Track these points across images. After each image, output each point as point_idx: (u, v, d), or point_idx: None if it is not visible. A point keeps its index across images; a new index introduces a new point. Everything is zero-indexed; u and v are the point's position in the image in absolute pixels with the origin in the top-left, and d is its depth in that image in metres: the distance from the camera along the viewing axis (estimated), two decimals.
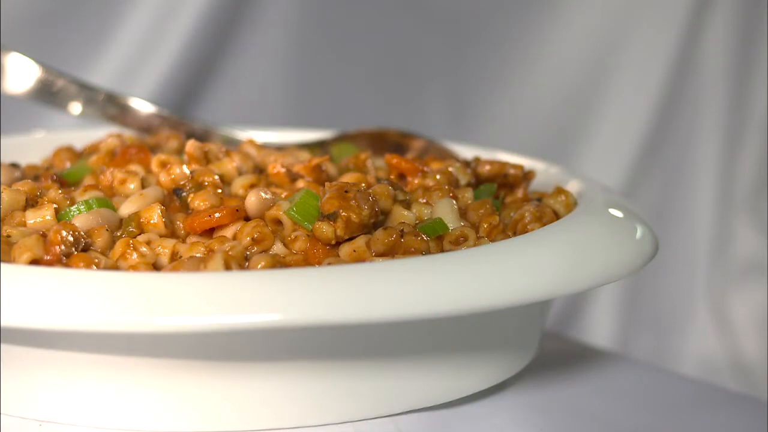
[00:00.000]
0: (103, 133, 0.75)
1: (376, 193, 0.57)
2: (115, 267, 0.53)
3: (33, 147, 0.75)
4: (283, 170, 0.60)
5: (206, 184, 0.59)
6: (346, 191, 0.56)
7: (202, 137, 0.73)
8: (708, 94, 1.11)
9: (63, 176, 0.62)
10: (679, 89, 1.12)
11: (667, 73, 1.11)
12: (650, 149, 1.13)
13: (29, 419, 0.54)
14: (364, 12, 1.11)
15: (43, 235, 0.53)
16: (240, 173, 0.62)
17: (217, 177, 0.59)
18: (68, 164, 0.66)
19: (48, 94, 0.74)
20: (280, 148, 0.69)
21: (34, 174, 0.63)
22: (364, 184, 0.57)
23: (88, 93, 0.74)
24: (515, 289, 0.52)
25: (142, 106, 0.75)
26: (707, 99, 1.11)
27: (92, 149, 0.67)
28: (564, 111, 1.13)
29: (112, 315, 0.48)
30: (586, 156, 1.13)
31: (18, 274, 0.50)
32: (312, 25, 1.09)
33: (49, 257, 0.52)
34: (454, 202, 0.58)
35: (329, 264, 0.54)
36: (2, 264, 0.51)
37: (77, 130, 0.82)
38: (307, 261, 0.55)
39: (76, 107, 0.74)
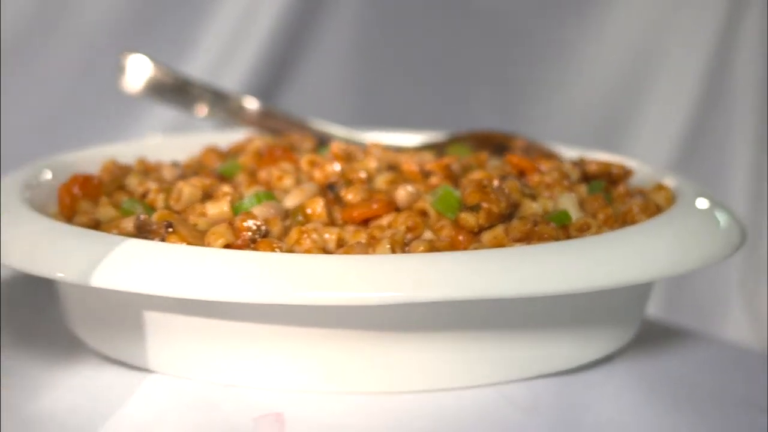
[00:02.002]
0: (202, 138, 0.83)
1: (509, 188, 0.65)
2: (291, 251, 0.61)
3: (158, 149, 0.83)
4: (416, 168, 0.69)
5: (354, 180, 0.67)
6: (484, 186, 0.64)
7: (322, 138, 0.81)
8: (744, 93, 1.19)
9: (220, 173, 0.70)
10: (716, 87, 1.19)
11: (705, 71, 1.18)
12: (687, 148, 1.20)
13: (216, 383, 0.62)
14: (418, 15, 1.19)
15: (230, 224, 0.62)
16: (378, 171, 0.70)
17: (363, 174, 0.67)
18: (216, 163, 0.74)
19: (174, 95, 0.81)
20: (400, 150, 0.78)
21: (192, 171, 0.71)
22: (496, 181, 0.65)
23: (214, 95, 0.82)
24: (635, 270, 0.61)
25: (255, 106, 0.83)
26: (743, 98, 1.19)
27: (238, 149, 0.75)
28: (608, 107, 1.21)
29: (304, 291, 0.57)
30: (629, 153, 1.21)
31: (217, 257, 0.58)
32: (372, 28, 1.17)
33: (239, 242, 0.61)
34: (575, 195, 0.66)
35: (476, 249, 0.62)
36: (202, 248, 0.59)
37: (185, 134, 0.90)
38: (453, 246, 0.63)
39: (202, 108, 0.81)
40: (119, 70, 0.80)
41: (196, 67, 1.09)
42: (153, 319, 0.61)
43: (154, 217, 0.63)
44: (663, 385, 0.67)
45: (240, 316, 0.60)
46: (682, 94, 1.19)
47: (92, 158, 0.76)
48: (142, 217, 0.62)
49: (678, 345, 0.73)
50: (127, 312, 0.62)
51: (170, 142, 0.83)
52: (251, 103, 0.82)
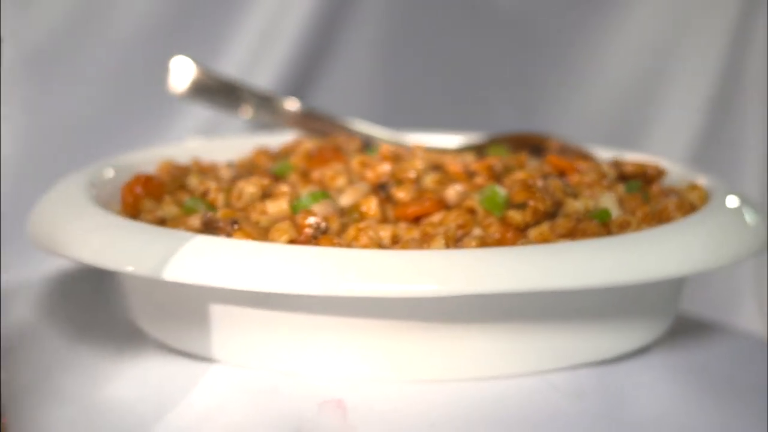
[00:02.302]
0: (243, 140, 0.86)
1: (552, 187, 0.69)
2: (350, 247, 0.65)
3: (207, 151, 0.86)
4: (461, 169, 0.72)
5: (404, 179, 0.70)
6: (530, 185, 0.68)
7: (366, 139, 0.84)
8: (759, 91, 1.22)
9: (274, 173, 0.73)
10: (730, 88, 1.22)
11: (719, 71, 1.21)
12: (701, 147, 1.24)
13: (278, 372, 0.66)
14: (440, 17, 1.22)
15: (292, 221, 0.65)
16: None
17: (413, 174, 0.71)
18: (267, 164, 0.77)
19: (218, 97, 0.84)
20: (442, 151, 0.81)
21: (246, 171, 0.75)
22: (540, 180, 0.69)
23: (257, 96, 0.85)
24: (673, 265, 0.65)
25: (296, 107, 0.86)
26: (758, 97, 1.22)
27: (288, 150, 0.78)
28: (624, 107, 1.24)
29: (367, 284, 0.60)
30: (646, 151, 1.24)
31: (284, 252, 0.62)
32: (398, 29, 1.20)
33: (301, 238, 0.64)
34: (614, 194, 0.70)
35: (523, 245, 0.66)
36: (268, 243, 0.63)
37: (224, 136, 0.94)
38: (501, 242, 0.66)
39: (247, 110, 0.85)
40: (165, 72, 0.84)
41: (229, 67, 1.12)
42: (218, 311, 0.65)
43: (219, 214, 0.67)
44: (696, 374, 0.70)
45: (304, 307, 0.63)
46: (697, 94, 1.22)
47: (145, 159, 0.79)
48: (209, 214, 0.66)
49: (708, 337, 0.76)
50: (193, 304, 0.66)
51: (213, 144, 0.86)
52: (292, 105, 0.86)
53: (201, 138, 0.93)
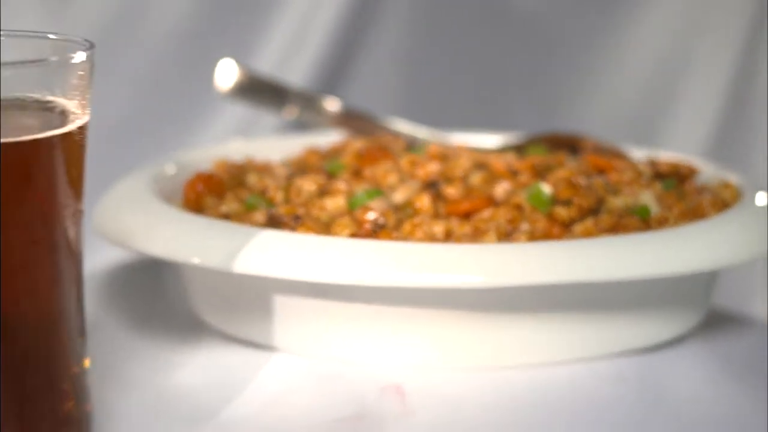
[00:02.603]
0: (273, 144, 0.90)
1: (595, 185, 0.73)
2: (407, 241, 0.69)
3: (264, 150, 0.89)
4: (505, 167, 0.76)
5: (453, 177, 0.74)
6: (575, 183, 0.72)
7: (407, 139, 0.88)
8: None
9: (327, 171, 0.77)
10: (744, 90, 1.26)
11: (733, 72, 1.25)
12: (716, 145, 1.28)
13: (339, 360, 0.69)
14: (463, 19, 1.26)
15: (352, 216, 0.69)
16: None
17: (460, 172, 0.75)
18: (317, 162, 0.81)
19: (263, 97, 0.88)
20: (484, 151, 0.85)
21: (299, 170, 0.78)
22: (583, 178, 0.73)
23: (300, 96, 0.88)
24: (710, 258, 0.69)
25: (337, 107, 0.89)
26: None
27: (337, 150, 0.82)
28: (641, 106, 1.28)
29: (427, 276, 0.65)
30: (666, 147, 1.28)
31: (348, 245, 0.66)
32: (422, 30, 1.24)
33: (362, 232, 0.68)
34: (652, 192, 0.74)
35: (568, 239, 0.69)
36: (333, 237, 0.66)
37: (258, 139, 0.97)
38: (548, 237, 0.70)
39: (291, 110, 0.88)
40: (199, 71, 0.87)
41: (261, 66, 1.16)
42: (281, 301, 0.69)
43: (281, 210, 0.70)
44: (727, 363, 0.74)
45: (364, 298, 0.67)
46: (713, 91, 1.26)
47: (198, 157, 0.83)
48: (273, 210, 0.70)
49: (738, 328, 0.80)
50: (256, 295, 0.69)
51: (258, 144, 0.90)
52: (333, 104, 0.89)
53: (243, 138, 0.97)
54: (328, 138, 0.89)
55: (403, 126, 0.89)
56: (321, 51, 1.17)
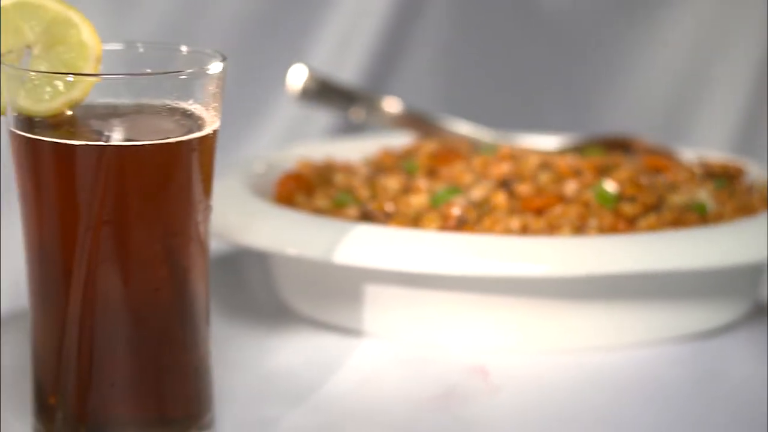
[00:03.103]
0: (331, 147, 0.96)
1: (656, 183, 0.79)
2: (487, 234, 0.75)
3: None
4: (569, 167, 0.82)
5: (524, 176, 0.80)
6: (638, 182, 0.78)
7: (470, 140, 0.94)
8: None
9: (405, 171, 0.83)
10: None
11: (758, 72, 1.31)
12: (742, 142, 1.34)
13: (426, 345, 0.76)
14: (500, 20, 1.32)
15: (438, 212, 0.75)
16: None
17: (530, 171, 0.81)
18: (393, 163, 0.87)
19: (330, 100, 0.94)
20: (547, 152, 0.91)
21: (378, 169, 0.84)
22: (646, 177, 0.79)
23: (365, 98, 0.94)
24: (764, 251, 0.75)
25: (398, 108, 0.95)
26: None
27: (410, 151, 0.88)
28: (669, 105, 1.34)
29: (511, 266, 0.71)
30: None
31: (438, 238, 0.73)
32: (461, 33, 1.30)
33: (448, 226, 0.74)
34: (707, 190, 0.80)
35: (635, 233, 0.76)
36: (424, 231, 0.73)
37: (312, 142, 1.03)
38: (614, 231, 0.76)
39: (357, 111, 0.94)
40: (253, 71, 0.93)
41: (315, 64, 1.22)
42: (372, 289, 0.75)
43: (373, 206, 0.77)
44: None
45: (451, 286, 0.74)
46: (738, 89, 1.32)
47: (280, 157, 0.89)
48: (366, 206, 0.76)
49: None
50: (348, 284, 0.76)
51: (329, 145, 0.96)
52: (394, 105, 0.95)
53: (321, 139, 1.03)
54: (386, 139, 0.95)
55: (460, 126, 0.95)
56: (368, 51, 1.22)
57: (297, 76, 0.93)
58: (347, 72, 1.21)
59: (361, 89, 0.96)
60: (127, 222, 0.59)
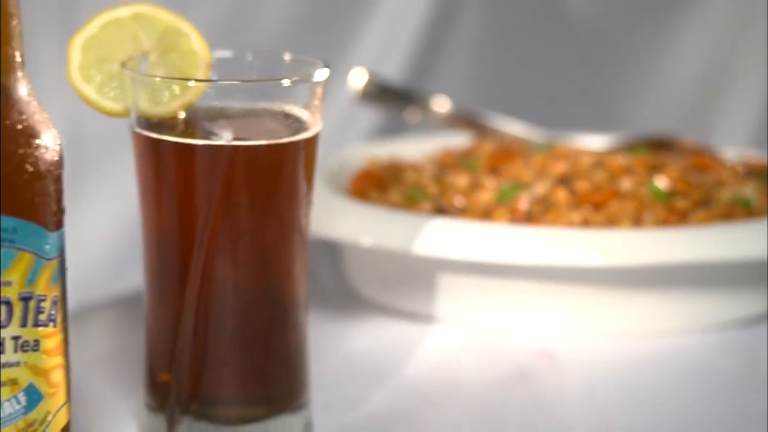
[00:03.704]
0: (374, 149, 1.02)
1: (705, 180, 0.85)
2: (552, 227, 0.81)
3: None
4: (622, 165, 0.88)
5: (581, 173, 0.86)
6: (689, 179, 0.84)
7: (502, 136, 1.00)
8: None
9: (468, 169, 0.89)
10: None
11: None
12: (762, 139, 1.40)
13: (496, 330, 0.82)
14: (530, 21, 1.37)
15: (507, 206, 0.81)
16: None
17: (587, 169, 0.86)
18: (453, 162, 0.93)
19: (387, 101, 0.99)
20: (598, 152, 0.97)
21: (442, 168, 0.90)
22: (695, 175, 0.85)
23: (420, 100, 1.00)
24: None
25: (448, 108, 1.01)
26: None
27: (470, 151, 0.93)
28: (689, 102, 1.40)
29: (579, 257, 0.77)
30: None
31: (509, 231, 0.79)
32: (495, 34, 1.35)
33: (517, 218, 0.80)
34: (751, 186, 0.86)
35: (688, 226, 0.82)
36: (498, 224, 0.79)
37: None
38: (667, 224, 0.82)
39: (413, 112, 1.00)
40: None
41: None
42: (446, 278, 0.81)
43: (446, 201, 0.82)
44: None
45: (521, 275, 0.79)
46: (758, 87, 1.37)
47: (352, 155, 0.95)
48: (440, 200, 0.82)
49: None
50: (422, 273, 0.82)
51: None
52: (444, 105, 1.00)
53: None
54: (439, 139, 1.00)
55: (506, 124, 1.01)
56: (410, 49, 1.27)
57: (358, 79, 0.98)
58: (389, 71, 1.27)
59: (414, 90, 1.02)
60: (241, 215, 0.65)
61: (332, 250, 0.91)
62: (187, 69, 0.68)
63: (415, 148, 0.97)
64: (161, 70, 0.67)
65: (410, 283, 0.83)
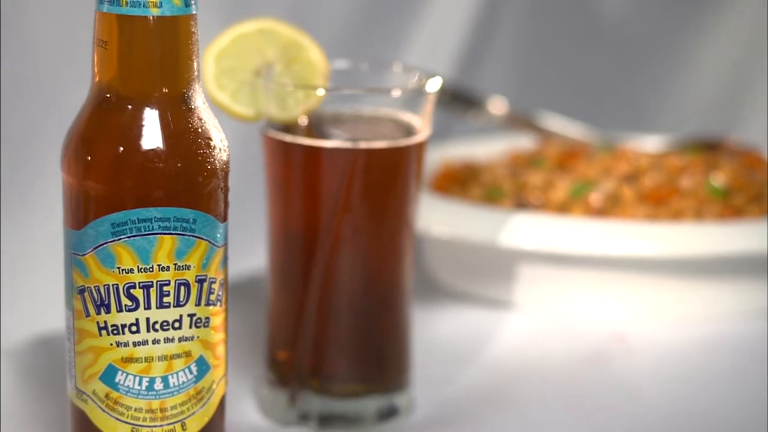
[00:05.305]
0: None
1: (757, 179, 0.93)
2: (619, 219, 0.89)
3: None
4: (678, 165, 0.96)
5: (644, 172, 0.94)
6: (743, 177, 0.92)
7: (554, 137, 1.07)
8: None
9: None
10: None
11: None
12: None
13: (570, 315, 0.90)
14: (563, 23, 1.44)
15: (582, 201, 0.89)
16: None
17: (647, 168, 0.94)
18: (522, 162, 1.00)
19: (451, 104, 1.07)
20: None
21: (513, 167, 0.98)
22: (747, 173, 0.93)
23: (478, 101, 1.07)
24: None
25: (505, 110, 1.08)
26: None
27: (537, 153, 1.01)
28: (718, 102, 1.47)
29: (647, 248, 0.85)
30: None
31: (586, 225, 0.86)
32: (531, 36, 1.42)
33: (592, 212, 0.88)
34: None
35: (744, 220, 0.90)
36: (576, 217, 0.87)
37: None
38: (723, 218, 0.90)
39: (476, 114, 1.07)
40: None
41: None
42: (524, 268, 0.89)
43: (528, 197, 0.90)
44: None
45: (594, 265, 0.87)
46: None
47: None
48: (522, 197, 0.89)
49: None
50: (502, 262, 0.89)
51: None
52: (501, 106, 1.08)
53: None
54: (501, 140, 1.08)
55: (563, 126, 1.08)
56: (457, 49, 1.34)
57: (433, 85, 1.05)
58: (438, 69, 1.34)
59: (475, 92, 1.09)
60: (363, 210, 0.73)
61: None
62: (308, 78, 0.76)
63: (480, 149, 1.05)
64: (287, 80, 0.74)
65: (491, 272, 0.91)
